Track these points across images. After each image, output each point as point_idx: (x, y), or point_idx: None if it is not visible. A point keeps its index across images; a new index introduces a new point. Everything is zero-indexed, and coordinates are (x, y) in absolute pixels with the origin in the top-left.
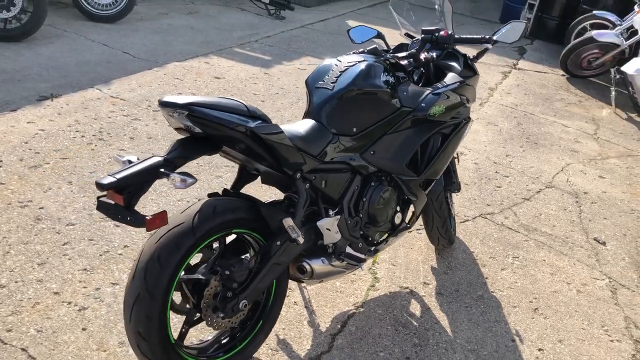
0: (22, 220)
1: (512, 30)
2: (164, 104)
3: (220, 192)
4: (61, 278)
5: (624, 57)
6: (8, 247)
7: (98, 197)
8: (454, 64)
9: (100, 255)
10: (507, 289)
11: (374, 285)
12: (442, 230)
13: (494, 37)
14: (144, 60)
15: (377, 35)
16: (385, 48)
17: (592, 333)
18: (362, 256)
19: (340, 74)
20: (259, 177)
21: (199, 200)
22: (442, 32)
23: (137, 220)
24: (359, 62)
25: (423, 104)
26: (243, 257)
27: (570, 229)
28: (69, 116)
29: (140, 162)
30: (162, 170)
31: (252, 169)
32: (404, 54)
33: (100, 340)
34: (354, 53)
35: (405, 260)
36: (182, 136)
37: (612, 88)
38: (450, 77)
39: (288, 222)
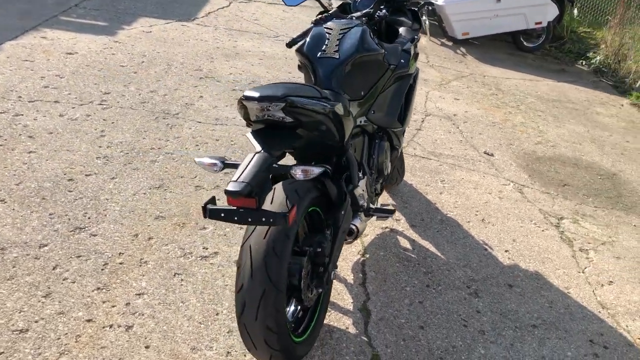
0: None
1: None
2: (260, 99)
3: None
4: (81, 304)
5: None
6: None
7: (205, 206)
8: (402, 18)
9: (102, 269)
10: (454, 209)
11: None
12: (400, 167)
13: None
14: None
15: None
16: (325, 9)
17: (528, 228)
18: (391, 207)
19: (340, 42)
20: None
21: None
22: None
23: (279, 218)
24: (351, 27)
25: (402, 60)
26: (323, 233)
27: (464, 148)
28: None
29: (250, 161)
30: (275, 165)
31: (300, 149)
32: (358, 14)
33: (171, 352)
34: (325, 16)
35: None
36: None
37: (424, 18)
38: (405, 32)
39: (359, 190)
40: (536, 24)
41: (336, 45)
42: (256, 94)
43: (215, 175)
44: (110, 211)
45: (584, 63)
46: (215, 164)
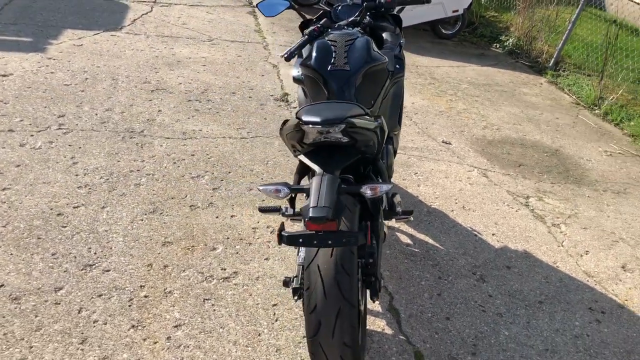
0: None
1: None
2: (322, 123)
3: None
4: (122, 345)
5: None
6: (25, 342)
7: (280, 233)
8: (385, 23)
9: (129, 306)
10: (435, 199)
11: None
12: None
13: None
14: None
15: (290, 6)
16: (303, 17)
17: (504, 210)
18: (410, 209)
19: (347, 53)
20: None
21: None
22: None
23: (359, 237)
24: (355, 38)
25: (397, 66)
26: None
27: (423, 139)
28: None
29: (321, 185)
30: (343, 186)
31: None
32: (345, 22)
33: None
34: (318, 27)
35: None
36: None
37: None
38: (390, 37)
39: (397, 198)
40: (453, 11)
41: (345, 57)
42: (317, 119)
43: (208, 193)
44: (115, 243)
45: (497, 46)
46: (280, 190)
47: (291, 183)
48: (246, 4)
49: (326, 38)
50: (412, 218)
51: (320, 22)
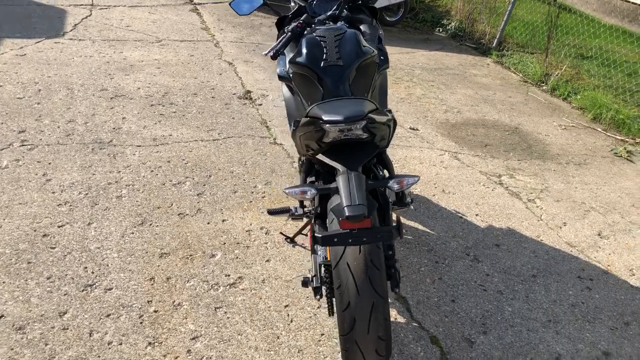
0: (4, 339)
1: None
2: (345, 121)
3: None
4: None
5: None
6: None
7: (315, 235)
8: (362, 16)
9: (141, 323)
10: (415, 186)
11: None
12: None
13: None
14: None
15: (263, 3)
16: (277, 14)
17: (481, 190)
18: (409, 199)
19: (339, 48)
20: None
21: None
22: None
23: (393, 232)
24: (343, 32)
25: (382, 57)
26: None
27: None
28: None
29: (349, 183)
30: (370, 182)
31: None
32: (323, 16)
33: None
34: (301, 22)
35: None
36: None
37: (292, 5)
38: (369, 29)
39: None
40: None
41: (337, 53)
42: (339, 117)
43: (194, 199)
44: (110, 259)
45: (440, 30)
46: (306, 192)
47: (297, 183)
48: (187, 2)
49: (314, 34)
50: (412, 207)
51: (302, 18)
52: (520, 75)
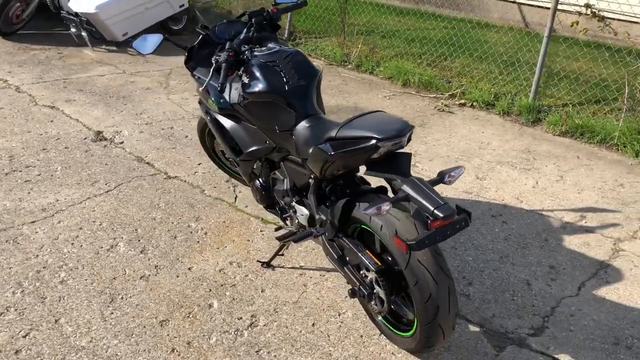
0: None
1: None
2: (399, 135)
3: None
4: None
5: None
6: None
7: (408, 243)
8: (265, 33)
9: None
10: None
11: None
12: None
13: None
14: None
15: (164, 38)
16: (182, 47)
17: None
18: None
19: (294, 70)
20: None
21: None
22: (271, 9)
23: (468, 218)
24: (290, 53)
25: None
26: None
27: None
28: None
29: (422, 188)
30: (429, 181)
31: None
32: (237, 40)
33: None
34: (229, 49)
35: None
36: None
37: (83, 34)
38: (278, 43)
39: None
40: (180, 6)
41: (294, 74)
42: (393, 133)
43: (142, 258)
44: (114, 348)
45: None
46: (380, 207)
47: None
48: None
49: (261, 60)
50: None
51: (227, 46)
52: (323, 59)
